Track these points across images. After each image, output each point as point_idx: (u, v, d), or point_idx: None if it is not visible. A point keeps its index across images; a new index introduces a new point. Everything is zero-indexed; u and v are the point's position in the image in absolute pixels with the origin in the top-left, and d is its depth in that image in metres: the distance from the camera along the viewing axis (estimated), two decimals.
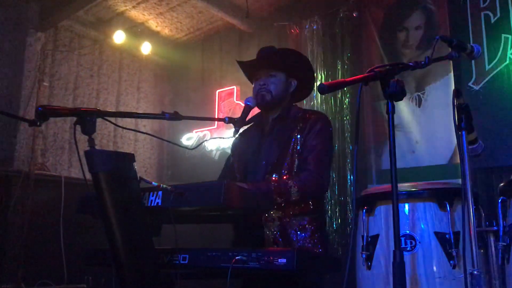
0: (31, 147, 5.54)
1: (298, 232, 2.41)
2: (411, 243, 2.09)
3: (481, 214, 2.16)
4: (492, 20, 4.51)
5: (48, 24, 5.87)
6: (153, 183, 1.97)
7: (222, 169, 2.94)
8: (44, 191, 5.14)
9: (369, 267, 2.18)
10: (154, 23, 6.52)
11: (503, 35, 4.42)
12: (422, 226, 2.10)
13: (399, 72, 1.77)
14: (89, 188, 1.91)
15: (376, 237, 2.20)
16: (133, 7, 6.09)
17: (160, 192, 1.98)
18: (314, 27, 5.68)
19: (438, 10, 4.92)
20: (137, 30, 6.49)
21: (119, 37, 6.19)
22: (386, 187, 2.23)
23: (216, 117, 6.32)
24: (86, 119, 1.86)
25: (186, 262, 2.01)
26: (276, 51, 2.75)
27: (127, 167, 1.90)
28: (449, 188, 2.24)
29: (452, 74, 4.69)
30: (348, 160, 5.20)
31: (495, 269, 2.02)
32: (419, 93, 4.89)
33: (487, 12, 4.55)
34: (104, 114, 1.94)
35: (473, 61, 4.46)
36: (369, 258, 2.19)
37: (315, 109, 5.41)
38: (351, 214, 5.04)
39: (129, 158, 1.92)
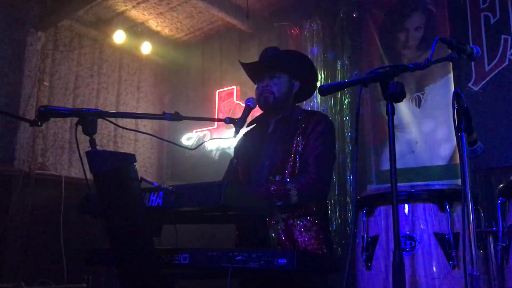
0: (31, 146, 5.55)
1: (303, 234, 2.41)
2: (410, 243, 2.09)
3: (481, 215, 2.17)
4: (492, 21, 4.52)
5: (48, 24, 5.88)
6: (154, 183, 1.97)
7: (225, 171, 2.93)
8: (44, 190, 5.15)
9: (369, 268, 2.19)
10: (154, 23, 6.53)
11: (502, 36, 4.43)
12: (422, 227, 2.11)
13: (398, 74, 1.78)
14: (90, 188, 1.92)
15: (376, 238, 2.20)
16: (133, 7, 6.09)
17: (161, 193, 1.98)
18: (314, 28, 5.69)
19: (438, 11, 4.93)
20: (137, 30, 6.50)
21: (119, 36, 6.20)
22: (386, 187, 2.23)
23: (216, 117, 6.33)
24: (88, 119, 1.86)
25: (187, 262, 2.01)
26: (280, 53, 2.75)
27: (128, 168, 1.90)
28: (448, 189, 2.24)
29: (451, 74, 4.70)
30: (348, 160, 5.21)
31: (494, 270, 2.03)
32: (419, 94, 4.90)
33: (487, 13, 4.55)
34: (105, 115, 1.95)
35: (472, 62, 4.47)
36: (369, 259, 2.20)
37: (315, 109, 5.42)
38: (350, 215, 5.05)
39: (130, 158, 1.92)
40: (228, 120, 2.44)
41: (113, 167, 1.85)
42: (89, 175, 1.87)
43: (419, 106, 4.89)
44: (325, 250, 2.43)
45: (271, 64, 2.68)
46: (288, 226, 2.41)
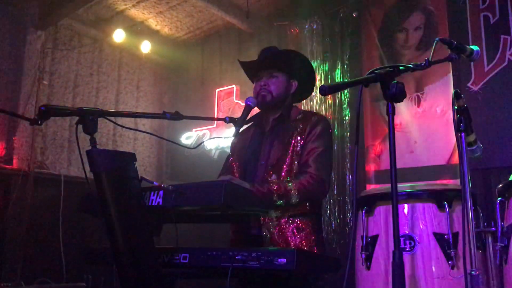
0: (30, 145, 5.54)
1: (295, 234, 2.42)
2: (410, 243, 2.10)
3: (480, 215, 2.18)
4: (491, 21, 4.52)
5: (48, 23, 5.87)
6: (154, 182, 1.97)
7: (221, 169, 2.95)
8: (43, 189, 5.16)
9: (368, 267, 2.19)
10: (154, 22, 6.53)
11: (502, 36, 4.44)
12: (421, 226, 2.12)
13: (399, 74, 1.78)
14: (90, 187, 1.92)
15: (375, 238, 2.21)
16: (133, 5, 6.09)
17: (161, 192, 1.98)
18: (314, 27, 5.70)
19: (438, 11, 4.94)
20: (137, 29, 6.50)
21: (118, 35, 6.19)
22: (386, 187, 2.23)
23: (215, 116, 6.33)
24: (88, 118, 1.86)
25: (187, 261, 2.02)
26: (278, 52, 2.76)
27: (128, 167, 1.90)
28: (448, 189, 2.25)
29: (451, 74, 4.70)
30: (347, 160, 5.21)
31: (493, 269, 2.03)
32: (418, 93, 4.91)
33: (486, 13, 4.56)
34: (106, 114, 1.95)
35: (472, 62, 4.48)
36: (368, 258, 2.20)
37: (315, 108, 5.43)
38: (349, 214, 5.05)
39: (131, 157, 1.93)
40: (228, 120, 2.45)
41: (114, 166, 1.85)
42: (89, 174, 1.88)
43: (418, 106, 4.90)
44: (316, 250, 2.44)
45: (269, 63, 2.69)
46: (281, 225, 2.43)
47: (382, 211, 2.22)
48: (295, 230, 2.42)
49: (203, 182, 1.96)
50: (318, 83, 5.42)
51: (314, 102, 5.50)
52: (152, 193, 2.01)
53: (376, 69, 1.77)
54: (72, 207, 4.87)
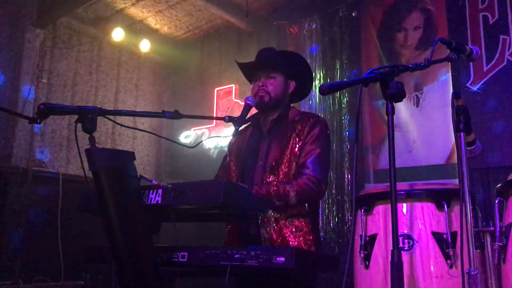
0: (29, 143, 5.53)
1: (294, 234, 2.43)
2: (408, 242, 2.10)
3: (478, 214, 2.18)
4: (491, 21, 4.53)
5: (47, 21, 5.86)
6: (153, 181, 1.98)
7: (218, 169, 2.95)
8: (41, 187, 5.14)
9: (367, 267, 2.20)
10: (153, 21, 6.52)
11: (501, 36, 4.44)
12: (420, 226, 2.12)
13: (398, 74, 1.79)
14: (89, 186, 1.92)
15: (374, 237, 2.21)
16: (132, 4, 6.09)
17: (160, 190, 1.98)
18: (313, 27, 5.70)
19: (437, 10, 4.94)
20: (136, 28, 6.49)
21: (118, 34, 6.19)
22: (385, 187, 2.24)
23: (214, 115, 6.33)
24: (87, 117, 1.86)
25: (185, 260, 2.02)
26: (276, 53, 2.77)
27: (127, 165, 1.90)
28: (447, 189, 2.25)
29: (450, 74, 4.71)
30: (346, 159, 5.22)
31: (491, 269, 2.04)
32: (417, 93, 4.91)
33: (486, 13, 4.56)
34: (105, 113, 1.95)
35: (471, 62, 4.48)
36: (367, 258, 2.20)
37: (313, 108, 5.43)
38: (348, 213, 5.06)
39: (130, 156, 1.93)
40: (227, 119, 2.45)
41: (113, 165, 1.85)
42: (88, 173, 1.88)
43: (417, 106, 4.90)
44: (314, 250, 2.44)
45: (267, 64, 2.70)
46: (280, 225, 2.43)
47: (381, 210, 2.23)
48: (293, 230, 2.43)
49: (202, 181, 1.97)
50: (317, 83, 5.43)
51: (313, 101, 5.50)
52: (151, 191, 2.01)
53: (375, 69, 1.78)
54: (71, 205, 4.86)
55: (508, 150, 4.19)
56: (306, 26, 5.76)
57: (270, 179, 2.51)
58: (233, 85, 6.31)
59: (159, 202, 1.97)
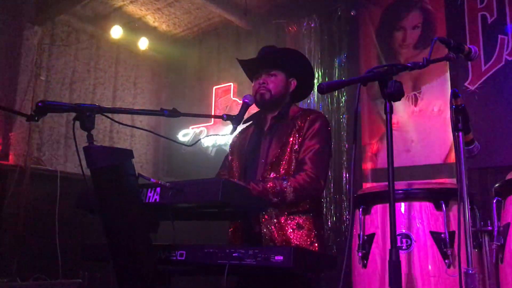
0: (27, 141, 5.52)
1: (295, 231, 2.42)
2: (406, 242, 2.10)
3: (476, 214, 2.18)
4: (489, 21, 4.53)
5: (45, 18, 5.85)
6: (152, 179, 1.97)
7: (220, 167, 2.95)
8: (39, 185, 5.14)
9: (364, 266, 2.20)
10: (151, 19, 6.51)
11: (499, 36, 4.44)
12: (418, 225, 2.12)
13: (397, 73, 1.79)
14: (87, 184, 1.91)
15: (372, 236, 2.21)
16: (131, 2, 6.08)
17: (158, 189, 1.98)
18: (312, 25, 5.70)
19: (435, 10, 4.94)
20: (135, 26, 6.48)
21: (116, 32, 6.18)
22: (383, 186, 2.24)
23: (212, 113, 6.33)
24: (86, 115, 1.86)
25: (183, 258, 2.01)
26: (277, 51, 2.77)
27: (125, 163, 1.90)
28: (445, 188, 2.25)
29: (448, 74, 4.71)
30: (344, 158, 5.22)
31: (489, 268, 2.04)
32: (416, 92, 4.91)
33: (484, 12, 4.57)
34: (103, 110, 1.94)
35: (469, 62, 4.48)
36: (365, 257, 2.21)
37: (312, 107, 5.43)
38: (346, 212, 5.06)
39: (128, 154, 1.92)
40: (226, 117, 2.44)
41: (111, 163, 1.84)
42: (86, 171, 1.87)
43: (415, 105, 4.90)
44: (317, 248, 2.44)
45: (268, 62, 2.69)
46: (281, 223, 2.43)
47: (379, 209, 2.23)
48: (295, 227, 2.42)
49: (201, 179, 1.96)
50: (315, 82, 5.43)
51: (312, 100, 5.50)
52: (149, 190, 2.00)
53: (374, 68, 1.78)
54: (69, 203, 4.85)
55: (506, 150, 4.20)
56: (305, 24, 5.76)
57: (271, 176, 2.51)
58: (231, 84, 6.31)
59: (157, 200, 1.97)
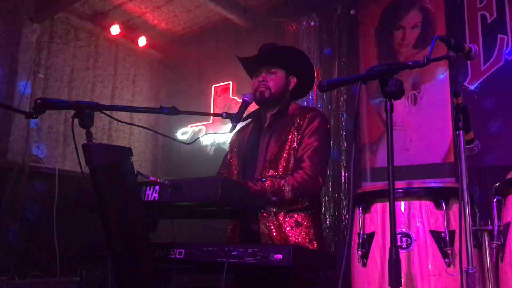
0: (25, 139, 5.51)
1: (294, 229, 2.42)
2: (406, 241, 2.10)
3: (476, 213, 2.18)
4: (489, 20, 4.53)
5: (44, 16, 5.84)
6: (151, 177, 1.97)
7: (220, 166, 2.94)
8: (37, 183, 5.13)
9: (364, 264, 2.19)
10: (150, 17, 6.50)
11: (499, 35, 4.44)
12: (418, 224, 2.11)
13: (398, 71, 1.78)
14: (86, 181, 1.91)
15: (372, 235, 2.20)
16: (130, 0, 6.06)
17: (157, 187, 1.98)
18: (312, 24, 5.69)
19: (435, 9, 4.94)
20: (134, 23, 6.47)
21: (115, 30, 6.17)
22: (383, 184, 2.24)
23: (211, 112, 6.32)
24: (85, 112, 1.85)
25: (182, 256, 2.01)
26: (277, 48, 2.76)
27: (124, 161, 1.89)
28: (445, 187, 2.25)
29: (447, 73, 4.71)
30: (343, 157, 5.21)
31: (489, 267, 2.03)
32: (415, 92, 4.91)
33: (484, 12, 4.57)
34: (102, 108, 1.93)
35: (468, 61, 4.48)
36: (364, 256, 2.20)
37: (311, 105, 5.42)
38: (344, 211, 5.06)
39: (127, 152, 1.92)
40: (225, 115, 2.45)
41: (110, 161, 1.84)
42: (85, 168, 1.86)
43: (415, 104, 4.90)
44: (316, 246, 2.44)
45: (268, 59, 2.69)
46: (279, 220, 2.43)
47: (379, 208, 2.22)
48: (293, 225, 2.42)
49: (200, 178, 1.96)
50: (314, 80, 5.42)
51: (311, 99, 5.50)
52: (148, 188, 2.00)
53: (375, 66, 1.77)
54: (67, 201, 4.84)
55: (505, 149, 4.20)
56: (304, 23, 5.75)
57: (269, 173, 2.51)
58: (230, 82, 6.30)
59: (156, 198, 1.96)
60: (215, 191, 1.83)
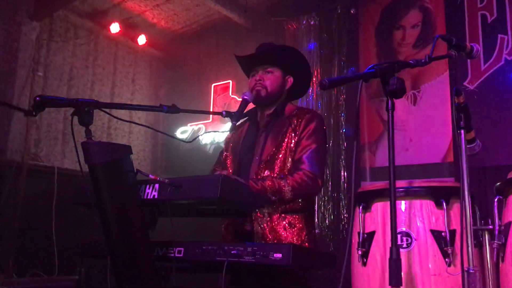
0: (24, 137, 5.50)
1: (287, 229, 2.42)
2: (407, 240, 2.09)
3: (476, 212, 2.18)
4: (489, 20, 4.52)
5: (44, 14, 5.82)
6: (150, 175, 1.96)
7: (215, 163, 2.94)
8: (36, 181, 5.12)
9: (364, 264, 2.19)
10: (150, 15, 6.49)
11: (499, 35, 4.44)
12: (418, 223, 2.11)
13: (399, 70, 1.78)
14: (85, 180, 1.90)
15: (372, 234, 2.20)
16: None
17: (156, 185, 1.97)
18: (311, 23, 5.68)
19: (435, 9, 4.94)
20: (133, 22, 6.46)
21: (115, 28, 6.16)
22: (383, 184, 2.23)
23: (211, 111, 6.32)
24: (84, 110, 1.84)
25: (181, 255, 2.01)
26: (275, 48, 2.75)
27: (124, 159, 1.88)
28: (446, 186, 2.25)
29: (447, 73, 4.71)
30: (342, 157, 5.21)
31: (489, 267, 2.03)
32: (415, 92, 4.91)
33: (484, 12, 4.56)
34: (102, 106, 1.92)
35: (468, 61, 4.48)
36: (364, 255, 2.20)
37: (311, 105, 5.42)
38: (344, 211, 5.06)
39: (126, 150, 1.91)
40: (225, 114, 2.44)
41: (109, 159, 1.83)
42: (84, 166, 1.85)
43: (414, 104, 4.90)
44: (308, 247, 2.44)
45: (265, 59, 2.68)
46: (273, 221, 2.43)
47: (380, 207, 2.22)
48: (287, 226, 2.43)
49: (200, 176, 1.95)
50: (314, 80, 5.42)
51: (311, 98, 5.49)
52: (148, 186, 1.99)
53: (376, 65, 1.77)
54: (66, 199, 4.84)
55: (504, 150, 4.19)
56: (304, 22, 5.74)
57: (265, 173, 2.51)
58: (230, 81, 6.30)
59: (156, 196, 1.95)
60: (215, 190, 1.82)
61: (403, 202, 2.16)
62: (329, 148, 5.18)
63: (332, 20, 5.57)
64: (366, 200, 2.27)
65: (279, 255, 1.79)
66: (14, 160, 5.17)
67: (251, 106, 2.73)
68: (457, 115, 1.98)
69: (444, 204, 2.09)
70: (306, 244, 2.44)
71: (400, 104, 4.89)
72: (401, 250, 1.99)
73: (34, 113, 1.84)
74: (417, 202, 2.15)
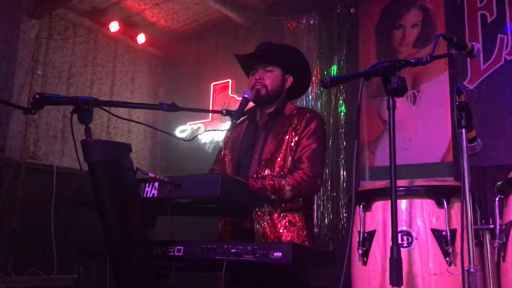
0: (23, 135, 5.49)
1: (288, 228, 2.43)
2: (407, 239, 2.09)
3: (477, 212, 2.18)
4: (489, 20, 4.52)
5: (43, 12, 5.80)
6: (150, 174, 1.95)
7: (213, 162, 2.93)
8: (35, 180, 5.11)
9: (364, 263, 2.19)
10: (150, 14, 6.47)
11: (499, 35, 4.44)
12: (419, 223, 2.11)
13: (400, 69, 1.78)
14: (84, 178, 1.89)
15: (372, 233, 2.20)
16: None
17: (156, 184, 1.97)
18: (311, 22, 5.68)
19: (435, 8, 4.94)
20: (133, 20, 6.45)
21: (114, 27, 6.15)
22: (384, 183, 2.23)
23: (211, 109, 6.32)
24: (84, 108, 1.83)
25: (181, 254, 2.00)
26: (275, 46, 2.75)
27: (123, 158, 1.88)
28: (447, 186, 2.24)
29: (447, 73, 4.71)
30: (342, 156, 5.21)
31: (490, 266, 2.03)
32: (414, 91, 4.91)
33: (484, 11, 4.56)
34: (101, 104, 1.92)
35: (468, 61, 4.49)
36: (365, 254, 2.20)
37: (310, 104, 5.42)
38: (343, 210, 5.06)
39: (126, 148, 1.90)
40: (225, 112, 2.44)
41: (109, 157, 1.83)
42: (84, 165, 1.84)
43: (414, 104, 4.89)
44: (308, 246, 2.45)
45: (265, 57, 2.69)
46: (273, 220, 2.43)
47: (380, 206, 2.22)
48: (287, 225, 2.44)
49: (199, 175, 1.95)
50: (314, 79, 5.42)
51: (310, 97, 5.48)
52: (147, 184, 1.99)
53: (377, 63, 1.77)
54: (65, 198, 4.84)
55: (504, 149, 4.19)
56: (304, 21, 5.73)
57: (265, 172, 2.51)
58: (229, 80, 6.29)
59: (155, 195, 1.95)
60: (214, 188, 1.82)
61: (403, 201, 2.16)
62: (329, 148, 5.18)
63: (332, 19, 5.56)
64: (367, 199, 2.27)
65: (279, 254, 1.79)
66: (13, 158, 5.16)
67: (250, 105, 2.73)
68: (458, 114, 1.98)
69: (445, 203, 2.09)
70: (306, 243, 2.45)
71: (400, 103, 4.83)
72: (401, 249, 1.97)
73: (33, 111, 1.84)
74: (417, 201, 2.14)
